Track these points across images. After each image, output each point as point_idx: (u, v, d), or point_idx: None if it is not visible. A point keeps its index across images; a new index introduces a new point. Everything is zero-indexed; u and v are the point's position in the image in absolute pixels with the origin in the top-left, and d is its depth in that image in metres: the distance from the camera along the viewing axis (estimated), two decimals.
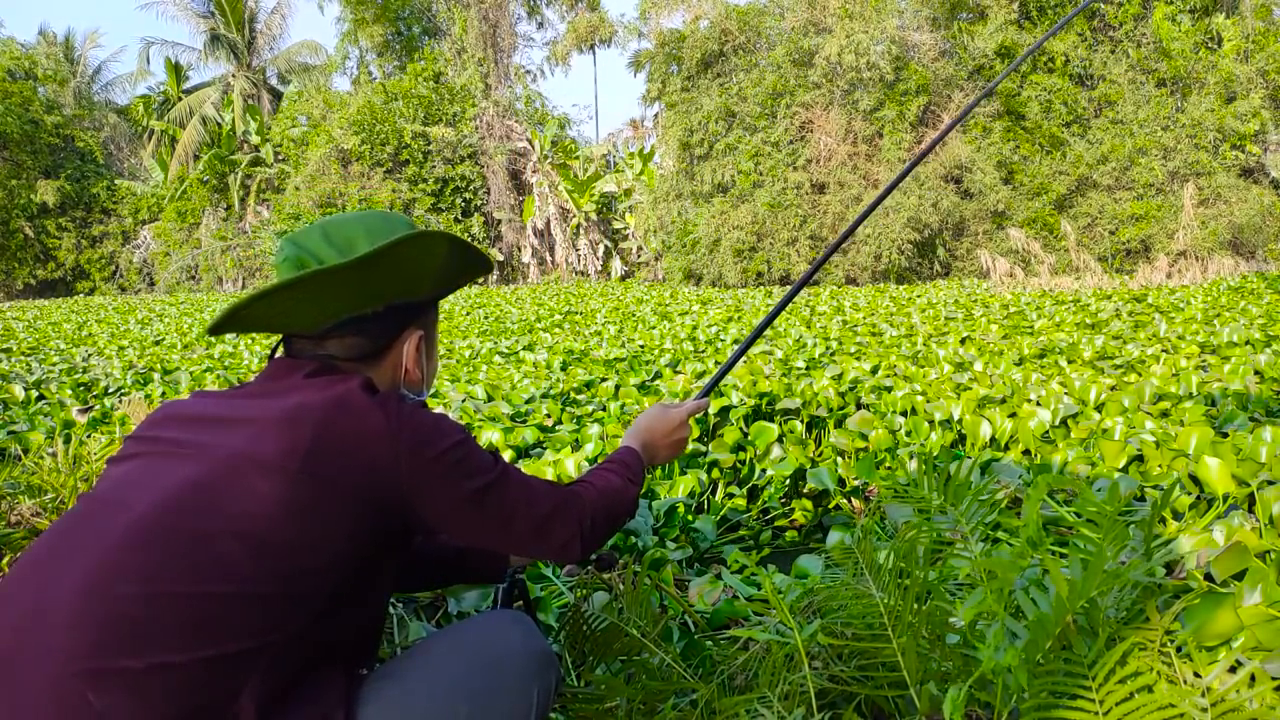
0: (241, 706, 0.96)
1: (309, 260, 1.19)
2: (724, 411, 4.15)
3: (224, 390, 1.22)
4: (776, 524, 3.14)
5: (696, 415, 1.65)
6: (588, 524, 1.30)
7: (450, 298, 19.66)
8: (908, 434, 3.72)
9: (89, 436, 3.90)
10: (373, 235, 1.21)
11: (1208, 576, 1.76)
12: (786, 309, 11.94)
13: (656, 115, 27.63)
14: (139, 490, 1.05)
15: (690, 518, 2.86)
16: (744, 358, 6.51)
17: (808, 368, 5.84)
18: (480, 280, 23.70)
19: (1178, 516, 2.46)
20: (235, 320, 1.21)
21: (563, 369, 6.69)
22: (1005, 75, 2.12)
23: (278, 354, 1.28)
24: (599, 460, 3.35)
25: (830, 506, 3.24)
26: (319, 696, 1.04)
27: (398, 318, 1.27)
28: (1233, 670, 1.33)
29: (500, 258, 29.24)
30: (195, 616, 0.96)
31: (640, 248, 28.21)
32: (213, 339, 10.52)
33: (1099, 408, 3.95)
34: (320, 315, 1.20)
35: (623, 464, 1.46)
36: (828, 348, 7.01)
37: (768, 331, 8.83)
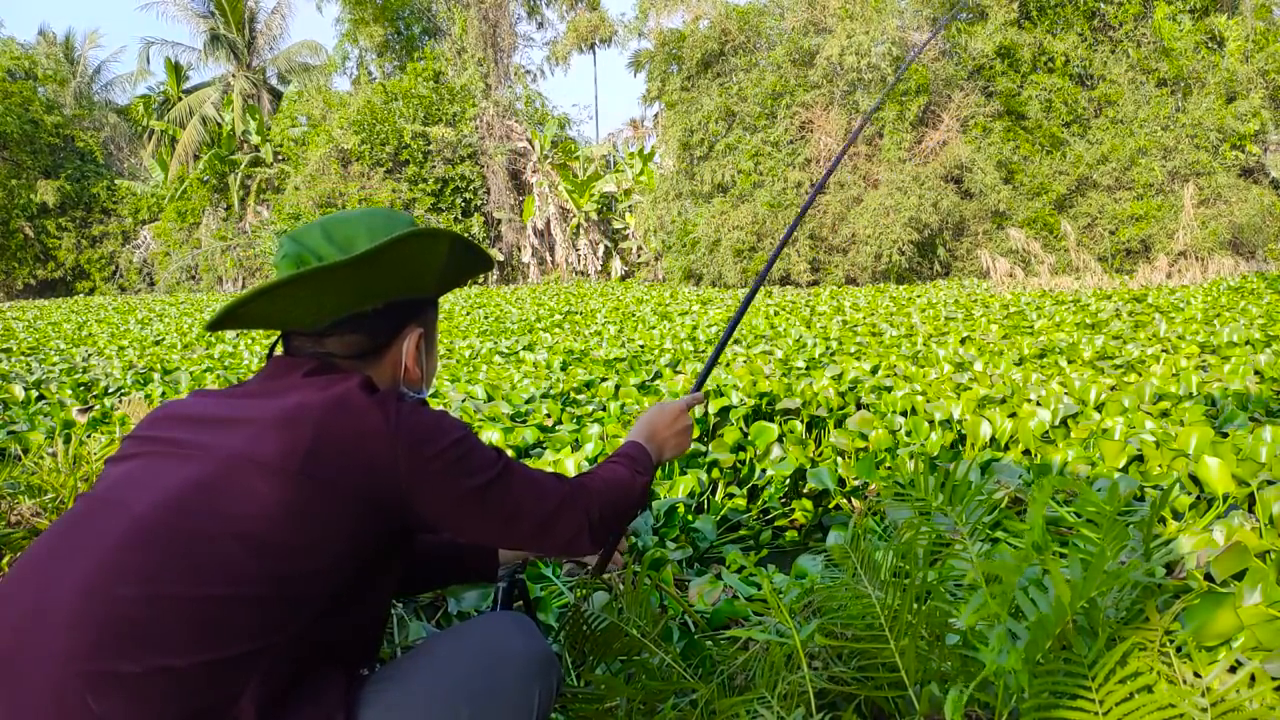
0: (242, 709, 0.95)
1: (309, 257, 1.19)
2: (724, 411, 4.15)
3: (224, 389, 1.21)
4: (776, 524, 3.14)
5: (694, 407, 1.65)
6: (595, 516, 1.28)
7: (450, 297, 19.64)
8: (908, 434, 3.71)
9: (89, 436, 3.90)
10: (374, 233, 1.20)
11: (1208, 576, 1.76)
12: (783, 308, 11.94)
13: (656, 115, 27.66)
14: (139, 490, 1.05)
15: (690, 518, 2.86)
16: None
17: (808, 368, 5.84)
18: (480, 280, 23.50)
19: (1178, 516, 2.46)
20: (235, 317, 1.20)
21: (563, 369, 6.69)
22: (888, 91, 2.13)
23: (277, 351, 1.27)
24: (600, 460, 3.35)
25: (830, 506, 3.24)
26: (319, 698, 1.04)
27: (397, 315, 1.26)
28: (1233, 670, 1.33)
29: (500, 258, 29.23)
30: (196, 619, 0.95)
31: (640, 248, 28.21)
32: (212, 339, 10.53)
33: (1099, 408, 3.95)
34: (320, 312, 1.20)
35: (629, 457, 1.46)
36: (828, 348, 7.00)
37: (769, 332, 8.83)
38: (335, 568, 1.06)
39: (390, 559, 1.19)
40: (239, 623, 0.97)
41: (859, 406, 4.39)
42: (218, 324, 1.21)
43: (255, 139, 32.40)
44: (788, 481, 3.27)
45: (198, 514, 1.01)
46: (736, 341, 8.05)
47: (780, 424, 3.91)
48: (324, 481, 1.05)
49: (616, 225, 29.56)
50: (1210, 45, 18.96)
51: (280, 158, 31.77)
